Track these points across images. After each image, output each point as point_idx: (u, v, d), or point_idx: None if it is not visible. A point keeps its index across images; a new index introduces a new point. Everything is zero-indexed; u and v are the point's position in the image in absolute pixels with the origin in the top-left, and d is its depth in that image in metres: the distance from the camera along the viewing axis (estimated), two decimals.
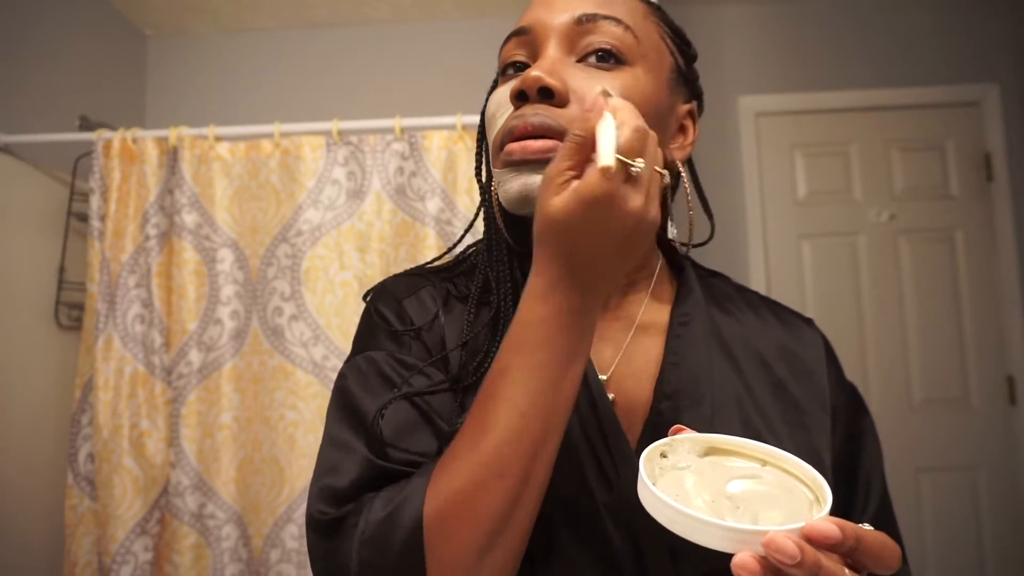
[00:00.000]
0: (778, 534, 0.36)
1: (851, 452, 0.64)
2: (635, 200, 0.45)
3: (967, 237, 2.46)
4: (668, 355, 0.61)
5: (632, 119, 0.45)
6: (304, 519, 0.55)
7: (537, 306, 0.48)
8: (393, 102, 2.27)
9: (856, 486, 0.64)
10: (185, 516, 1.64)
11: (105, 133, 1.77)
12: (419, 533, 0.47)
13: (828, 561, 0.36)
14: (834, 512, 0.61)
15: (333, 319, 1.70)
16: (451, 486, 0.47)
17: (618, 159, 0.43)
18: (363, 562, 0.48)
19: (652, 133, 0.47)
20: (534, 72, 0.55)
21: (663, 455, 0.47)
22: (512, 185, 0.56)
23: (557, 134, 0.54)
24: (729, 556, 0.48)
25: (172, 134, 1.74)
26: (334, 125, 1.74)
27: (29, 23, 1.90)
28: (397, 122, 1.73)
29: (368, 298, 0.66)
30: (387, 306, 0.64)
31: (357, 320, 0.81)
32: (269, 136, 1.76)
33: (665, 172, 0.47)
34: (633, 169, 0.44)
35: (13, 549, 1.73)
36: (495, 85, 0.66)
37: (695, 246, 0.67)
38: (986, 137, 2.47)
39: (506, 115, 0.58)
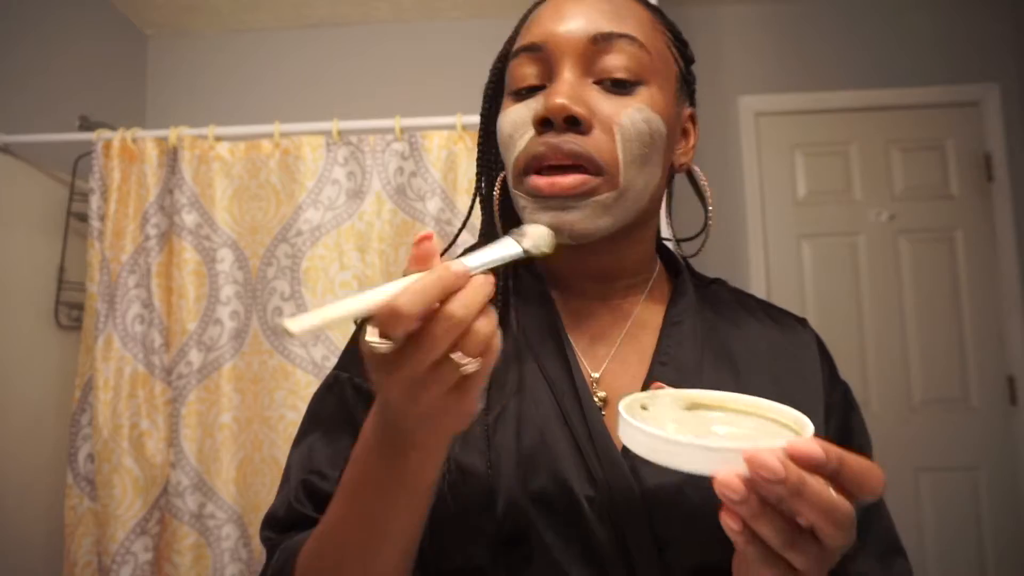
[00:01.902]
0: (761, 450, 0.36)
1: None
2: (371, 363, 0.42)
3: (967, 237, 2.46)
4: (657, 353, 0.62)
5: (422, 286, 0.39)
6: None
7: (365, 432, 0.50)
8: (393, 102, 2.27)
9: None
10: (185, 516, 1.64)
11: (105, 133, 1.77)
12: None
13: (812, 479, 0.36)
14: None
15: None
16: (301, 566, 0.55)
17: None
18: None
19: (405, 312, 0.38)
20: (559, 99, 0.55)
21: (644, 407, 0.47)
22: (540, 218, 0.57)
23: (586, 161, 0.56)
24: (722, 550, 0.48)
25: (172, 134, 1.74)
26: (334, 125, 1.74)
27: (29, 23, 1.90)
28: (397, 122, 1.73)
29: None
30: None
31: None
32: (269, 136, 1.76)
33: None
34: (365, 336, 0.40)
35: (13, 549, 1.72)
36: (492, 90, 0.66)
37: (694, 255, 0.69)
38: (986, 137, 2.47)
39: (526, 137, 0.59)
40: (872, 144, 2.51)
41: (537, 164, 0.57)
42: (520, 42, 0.62)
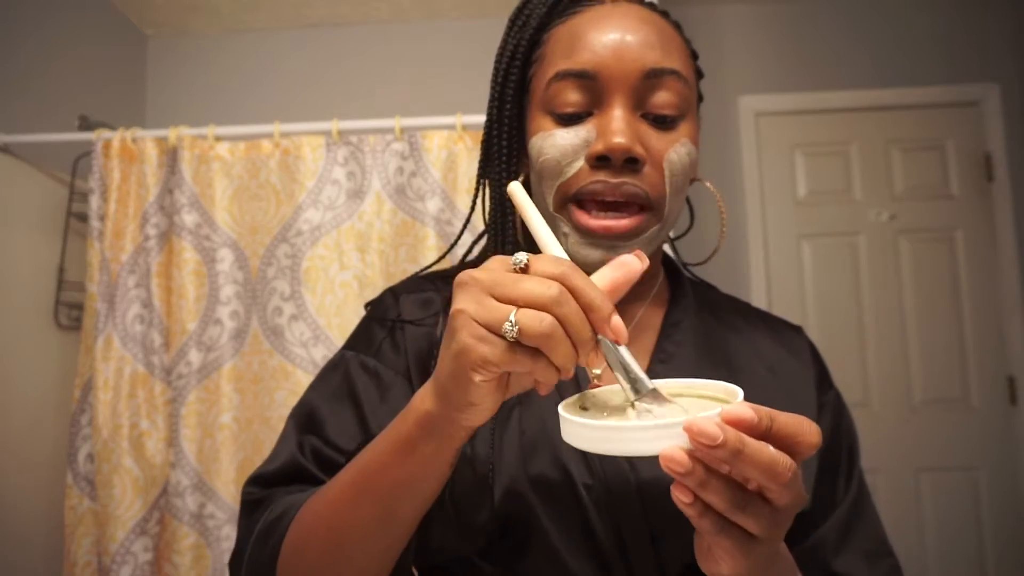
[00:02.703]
0: (698, 419, 0.37)
1: (831, 445, 0.67)
2: (460, 337, 0.43)
3: (967, 237, 2.46)
4: (656, 352, 0.64)
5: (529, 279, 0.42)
6: None
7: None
8: (393, 102, 2.27)
9: (838, 474, 0.66)
10: (185, 516, 1.64)
11: (105, 133, 1.77)
12: (277, 553, 0.55)
13: (751, 440, 0.37)
14: (819, 499, 0.62)
15: (333, 319, 1.70)
16: (299, 525, 0.54)
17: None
18: (251, 554, 0.59)
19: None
20: (621, 140, 0.56)
21: (583, 408, 0.47)
22: (590, 253, 0.59)
23: (643, 201, 0.58)
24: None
25: (172, 134, 1.74)
26: (334, 125, 1.74)
27: (29, 23, 1.90)
28: (397, 122, 1.73)
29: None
30: (379, 304, 0.68)
31: (357, 320, 0.85)
32: (269, 136, 1.76)
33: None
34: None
35: (13, 549, 1.72)
36: (512, 91, 0.64)
37: (697, 264, 0.71)
38: (986, 137, 2.47)
39: (575, 166, 0.59)
40: (872, 144, 2.51)
41: (590, 198, 0.59)
42: (564, 63, 0.60)
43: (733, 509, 0.38)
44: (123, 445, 1.65)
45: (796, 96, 2.54)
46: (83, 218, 1.90)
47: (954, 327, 2.43)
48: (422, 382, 0.59)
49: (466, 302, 0.41)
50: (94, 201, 1.73)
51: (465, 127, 1.73)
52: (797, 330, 0.73)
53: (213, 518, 1.64)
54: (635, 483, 0.56)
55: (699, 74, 0.67)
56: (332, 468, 0.59)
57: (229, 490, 1.65)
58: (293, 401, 1.68)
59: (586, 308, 0.40)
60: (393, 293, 0.69)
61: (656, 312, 0.68)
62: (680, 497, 0.38)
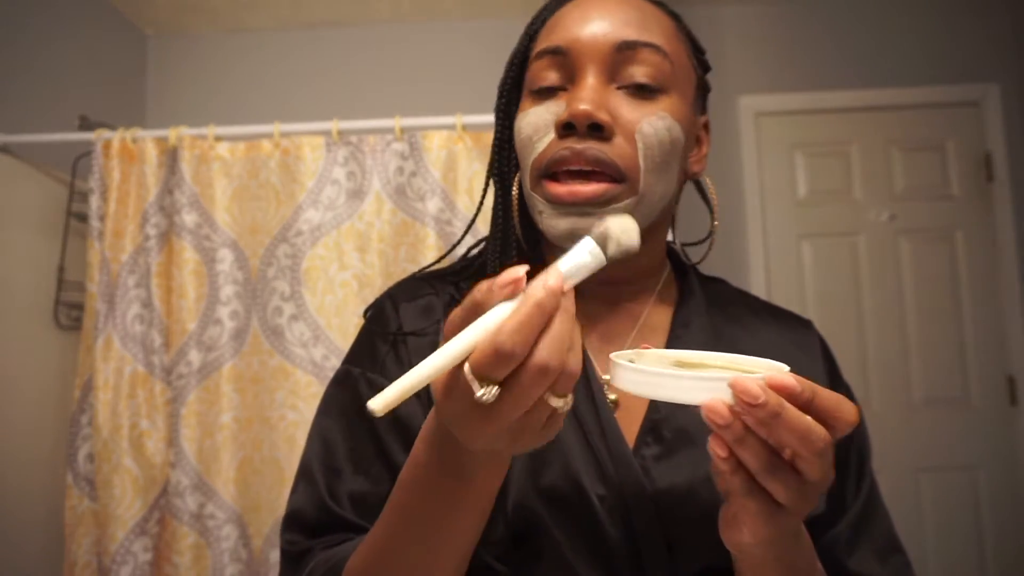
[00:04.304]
0: (743, 377, 0.38)
1: (842, 443, 0.67)
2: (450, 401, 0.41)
3: (967, 237, 2.46)
4: None
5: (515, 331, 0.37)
6: None
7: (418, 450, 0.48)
8: (393, 102, 2.27)
9: (848, 471, 0.66)
10: (185, 516, 1.64)
11: (105, 133, 1.77)
12: None
13: (790, 406, 0.38)
14: (832, 497, 0.62)
15: (333, 319, 1.70)
16: None
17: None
18: None
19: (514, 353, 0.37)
20: (584, 105, 0.55)
21: (631, 361, 0.48)
22: (559, 223, 0.57)
23: (609, 168, 0.56)
24: (717, 553, 0.49)
25: (172, 134, 1.74)
26: (334, 125, 1.74)
27: (29, 23, 1.90)
28: (397, 122, 1.73)
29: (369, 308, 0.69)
30: (379, 315, 0.66)
31: (357, 320, 0.84)
32: (269, 136, 1.76)
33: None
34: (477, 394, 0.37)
35: (13, 549, 1.72)
36: (509, 88, 0.65)
37: (698, 262, 0.69)
38: (986, 137, 2.47)
39: (545, 140, 0.59)
40: (872, 144, 2.51)
41: (558, 168, 0.57)
42: (543, 44, 0.61)
43: (765, 471, 0.40)
44: (123, 445, 1.65)
45: (796, 96, 2.54)
46: (83, 218, 1.90)
47: (954, 327, 2.43)
48: (427, 394, 0.58)
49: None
50: (94, 201, 1.73)
51: (465, 127, 1.73)
52: (807, 324, 0.72)
53: (213, 518, 1.64)
54: (650, 491, 0.55)
55: (705, 67, 0.66)
56: (366, 511, 0.58)
57: (229, 490, 1.65)
58: (293, 401, 1.68)
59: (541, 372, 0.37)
60: (392, 302, 0.67)
61: (663, 311, 0.67)
62: (716, 450, 0.40)
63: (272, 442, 1.68)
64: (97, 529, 1.66)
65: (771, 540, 0.43)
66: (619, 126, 0.57)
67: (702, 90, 0.66)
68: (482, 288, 0.38)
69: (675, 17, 0.64)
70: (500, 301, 0.38)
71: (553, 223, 0.58)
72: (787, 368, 0.43)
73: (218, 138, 1.76)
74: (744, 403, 0.38)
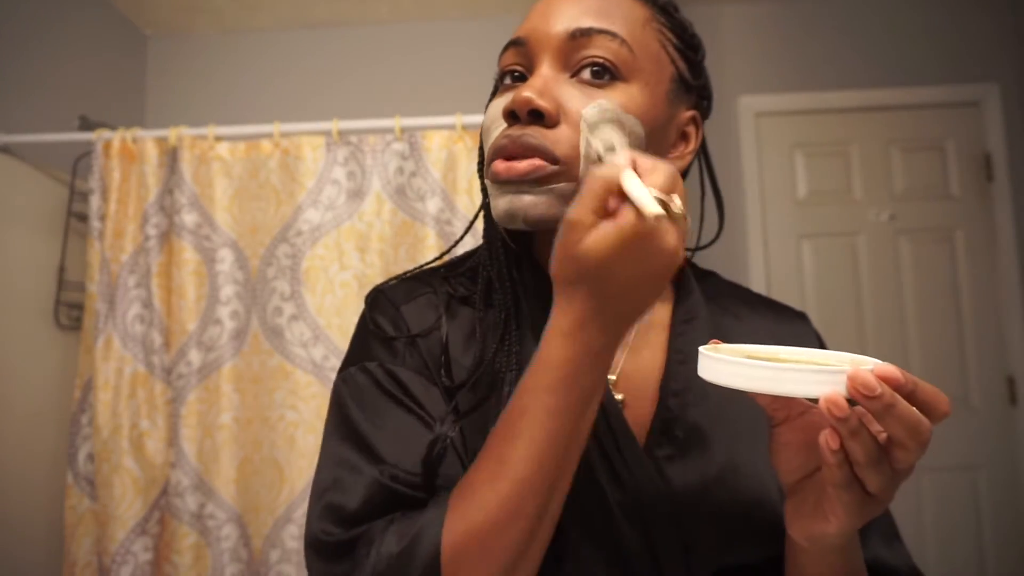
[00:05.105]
0: (860, 371, 0.39)
1: None
2: (671, 239, 0.45)
3: (967, 237, 2.46)
4: (673, 352, 0.62)
5: (661, 162, 0.46)
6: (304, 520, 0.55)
7: (563, 346, 0.47)
8: (393, 102, 2.27)
9: None
10: (185, 516, 1.64)
11: (105, 133, 1.77)
12: (436, 570, 0.48)
13: (901, 399, 0.40)
14: None
15: (333, 319, 1.70)
16: (467, 524, 0.48)
17: (660, 202, 0.43)
18: None
19: (676, 172, 0.46)
20: (525, 93, 0.55)
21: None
22: (499, 203, 0.57)
23: (542, 153, 0.55)
24: (744, 550, 0.51)
25: (172, 134, 1.74)
26: (334, 125, 1.74)
27: (29, 24, 1.90)
28: (397, 122, 1.73)
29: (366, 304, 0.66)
30: (383, 313, 0.64)
31: (356, 319, 0.82)
32: (269, 136, 1.76)
33: (682, 213, 0.46)
34: (674, 210, 0.44)
35: (13, 549, 1.72)
36: (496, 90, 0.66)
37: (702, 248, 0.69)
38: (986, 137, 2.47)
39: (497, 130, 0.59)
40: (872, 144, 2.51)
41: (499, 155, 0.57)
42: (510, 38, 0.62)
43: (870, 462, 0.41)
44: (123, 445, 1.65)
45: (796, 96, 2.54)
46: (83, 218, 1.90)
47: (954, 327, 2.43)
48: (438, 377, 0.59)
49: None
50: (94, 201, 1.73)
51: (465, 127, 1.73)
52: (802, 317, 0.72)
53: (213, 518, 1.64)
54: (667, 493, 0.55)
55: (698, 70, 0.65)
56: (425, 485, 0.54)
57: (229, 490, 1.65)
58: (293, 401, 1.68)
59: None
60: (393, 305, 0.64)
61: (662, 306, 0.66)
62: (830, 443, 0.41)
63: (272, 442, 1.68)
64: (97, 529, 1.66)
65: (853, 530, 0.44)
66: (566, 114, 0.56)
67: (686, 85, 0.63)
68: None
69: (656, 8, 0.62)
70: None
71: (495, 204, 0.58)
72: (872, 363, 0.43)
73: (218, 138, 1.76)
74: (861, 395, 0.39)
